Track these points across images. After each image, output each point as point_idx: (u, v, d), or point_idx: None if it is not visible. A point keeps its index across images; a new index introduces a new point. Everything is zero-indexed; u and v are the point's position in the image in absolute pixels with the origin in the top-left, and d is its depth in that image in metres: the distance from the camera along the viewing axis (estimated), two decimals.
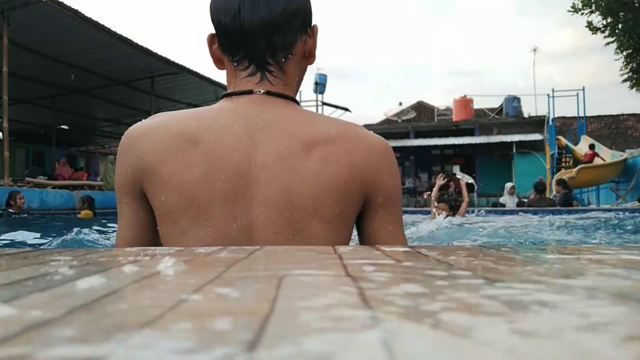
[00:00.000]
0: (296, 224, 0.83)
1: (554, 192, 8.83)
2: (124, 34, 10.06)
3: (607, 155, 13.43)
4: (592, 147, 13.47)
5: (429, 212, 6.88)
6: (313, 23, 0.97)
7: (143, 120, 0.94)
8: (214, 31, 0.98)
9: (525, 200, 10.52)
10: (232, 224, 0.82)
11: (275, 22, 0.89)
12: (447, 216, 5.90)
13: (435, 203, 6.54)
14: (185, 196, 0.80)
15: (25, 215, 7.25)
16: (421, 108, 28.41)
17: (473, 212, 7.81)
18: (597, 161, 12.56)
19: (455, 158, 25.04)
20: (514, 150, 20.89)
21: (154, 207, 0.86)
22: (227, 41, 0.95)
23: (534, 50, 28.91)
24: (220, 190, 0.80)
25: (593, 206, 12.27)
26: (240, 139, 0.83)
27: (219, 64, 1.03)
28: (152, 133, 0.86)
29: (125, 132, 0.93)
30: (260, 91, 0.90)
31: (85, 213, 7.95)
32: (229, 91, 0.94)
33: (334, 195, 0.83)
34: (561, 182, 9.19)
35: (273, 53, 0.93)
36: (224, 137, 0.83)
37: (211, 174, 0.80)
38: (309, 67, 1.08)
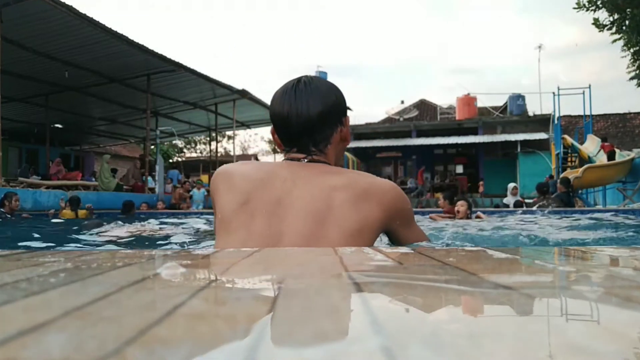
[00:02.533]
0: (317, 232, 1.13)
1: (558, 192, 8.81)
2: (120, 31, 10.06)
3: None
4: (605, 139, 13.51)
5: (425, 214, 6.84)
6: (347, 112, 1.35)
7: (232, 163, 1.39)
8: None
9: (529, 200, 10.49)
10: (267, 230, 1.15)
11: (315, 123, 1.24)
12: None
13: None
14: (239, 209, 1.19)
15: (16, 217, 7.23)
16: (423, 106, 28.40)
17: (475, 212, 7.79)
18: (603, 159, 12.58)
19: (458, 157, 25.00)
20: (519, 150, 20.87)
21: (218, 211, 1.25)
22: (281, 137, 1.32)
23: (539, 47, 28.85)
24: (261, 209, 1.17)
25: (599, 207, 12.27)
26: (285, 181, 1.21)
27: (280, 147, 1.37)
28: (238, 171, 1.28)
29: (219, 168, 1.33)
30: (305, 159, 1.28)
31: (64, 213, 7.93)
32: (286, 158, 1.32)
33: (347, 213, 1.15)
34: (564, 182, 9.15)
35: (315, 144, 1.28)
36: (275, 179, 1.22)
37: (259, 199, 1.19)
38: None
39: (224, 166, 1.34)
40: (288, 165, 1.27)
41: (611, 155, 12.88)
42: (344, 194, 1.17)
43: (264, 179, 1.22)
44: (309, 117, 1.23)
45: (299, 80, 1.28)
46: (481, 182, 20.23)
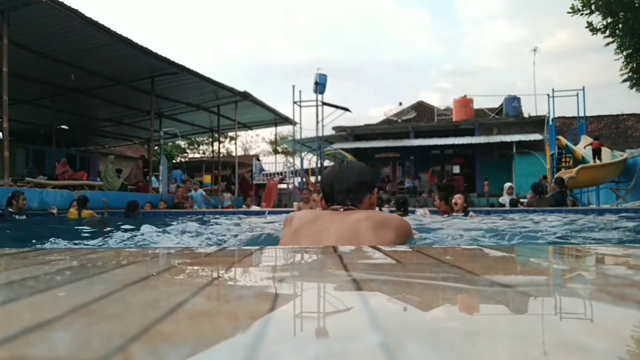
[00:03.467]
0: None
1: (552, 191, 8.80)
2: (124, 34, 10.06)
3: (607, 155, 13.43)
4: (597, 137, 13.49)
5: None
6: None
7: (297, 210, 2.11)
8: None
9: (523, 200, 10.47)
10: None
11: (352, 188, 1.79)
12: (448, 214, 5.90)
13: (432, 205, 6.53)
14: (291, 236, 1.71)
15: (25, 216, 7.22)
16: (421, 108, 28.39)
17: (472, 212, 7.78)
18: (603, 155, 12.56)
19: (455, 158, 25.00)
20: (514, 150, 20.85)
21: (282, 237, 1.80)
22: (326, 197, 1.86)
23: (534, 50, 28.79)
24: (307, 236, 1.67)
25: (593, 206, 12.27)
26: (325, 220, 1.71)
27: (322, 205, 1.89)
28: (297, 215, 1.83)
29: (288, 215, 1.88)
30: (342, 209, 1.78)
31: (70, 212, 7.96)
32: (329, 209, 1.81)
33: (369, 236, 1.59)
34: (559, 181, 9.13)
35: (351, 202, 1.79)
36: (319, 218, 1.74)
37: (306, 229, 1.69)
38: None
39: (291, 213, 1.92)
40: (329, 212, 1.79)
41: (596, 152, 12.88)
42: (366, 223, 1.62)
43: (312, 218, 1.74)
44: (348, 185, 1.79)
45: (342, 161, 1.75)
46: (486, 182, 20.20)
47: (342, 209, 1.78)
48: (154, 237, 3.53)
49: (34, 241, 3.71)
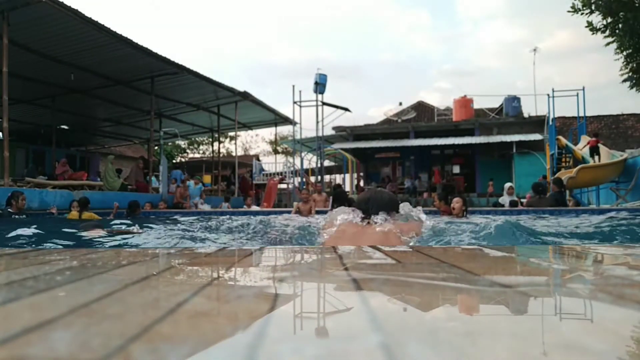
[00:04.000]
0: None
1: (551, 192, 8.80)
2: (124, 34, 10.05)
3: (606, 153, 13.43)
4: (596, 135, 13.48)
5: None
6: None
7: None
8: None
9: (524, 200, 10.47)
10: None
11: (383, 206, 2.27)
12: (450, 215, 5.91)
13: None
14: (332, 239, 2.16)
15: (24, 215, 7.20)
16: (421, 108, 28.38)
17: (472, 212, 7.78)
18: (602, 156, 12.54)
19: (455, 158, 24.99)
20: (514, 150, 20.84)
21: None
22: (362, 212, 2.27)
23: (534, 50, 28.78)
24: (345, 240, 2.05)
25: (593, 206, 12.27)
26: (360, 228, 2.17)
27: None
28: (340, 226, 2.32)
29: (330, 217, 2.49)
30: (375, 220, 2.24)
31: (72, 214, 7.94)
32: (365, 222, 2.26)
33: (393, 239, 2.01)
34: (557, 182, 9.13)
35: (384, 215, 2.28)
36: (354, 227, 2.20)
37: (346, 234, 2.15)
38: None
39: (330, 217, 2.41)
40: (363, 225, 2.24)
41: (594, 150, 12.86)
42: (394, 228, 2.11)
43: (352, 228, 2.20)
44: (381, 201, 2.30)
45: (377, 187, 2.22)
46: (490, 182, 20.16)
47: (375, 220, 2.27)
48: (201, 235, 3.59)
49: (25, 240, 3.70)
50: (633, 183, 11.70)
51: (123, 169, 16.05)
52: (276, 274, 0.54)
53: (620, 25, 13.10)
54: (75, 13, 8.98)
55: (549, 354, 0.24)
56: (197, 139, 31.18)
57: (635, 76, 14.25)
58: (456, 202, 5.94)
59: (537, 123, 22.55)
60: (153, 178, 13.74)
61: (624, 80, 14.71)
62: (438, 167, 22.67)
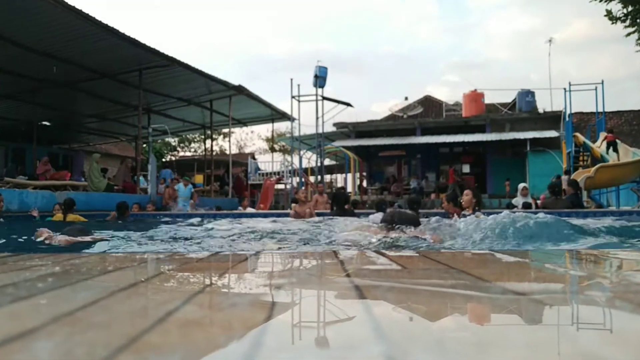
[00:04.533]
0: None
1: (567, 194, 8.82)
2: (110, 24, 10.04)
3: (625, 151, 13.41)
4: (611, 131, 13.48)
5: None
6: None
7: None
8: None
9: (538, 202, 10.47)
10: None
11: (409, 222, 3.27)
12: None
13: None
14: None
15: (1, 219, 7.19)
16: (428, 103, 28.33)
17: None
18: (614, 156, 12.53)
19: (465, 156, 24.92)
20: (528, 148, 20.78)
21: None
22: (387, 225, 3.30)
23: (550, 40, 28.75)
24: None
25: (613, 208, 12.26)
26: (386, 232, 3.22)
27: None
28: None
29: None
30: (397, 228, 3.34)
31: (58, 216, 7.96)
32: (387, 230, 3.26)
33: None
34: (572, 183, 9.17)
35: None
36: (381, 232, 3.28)
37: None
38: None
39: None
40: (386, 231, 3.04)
41: (611, 145, 12.86)
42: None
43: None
44: (404, 219, 3.04)
45: (400, 207, 3.66)
46: (507, 182, 20.13)
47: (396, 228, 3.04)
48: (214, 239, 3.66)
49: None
50: None
51: (109, 168, 16.04)
52: (273, 280, 0.54)
53: None
54: (58, 1, 8.98)
55: None
56: (188, 136, 31.18)
57: None
58: (465, 195, 5.93)
59: (552, 119, 22.53)
60: (141, 178, 13.74)
61: None
62: (452, 166, 22.64)
